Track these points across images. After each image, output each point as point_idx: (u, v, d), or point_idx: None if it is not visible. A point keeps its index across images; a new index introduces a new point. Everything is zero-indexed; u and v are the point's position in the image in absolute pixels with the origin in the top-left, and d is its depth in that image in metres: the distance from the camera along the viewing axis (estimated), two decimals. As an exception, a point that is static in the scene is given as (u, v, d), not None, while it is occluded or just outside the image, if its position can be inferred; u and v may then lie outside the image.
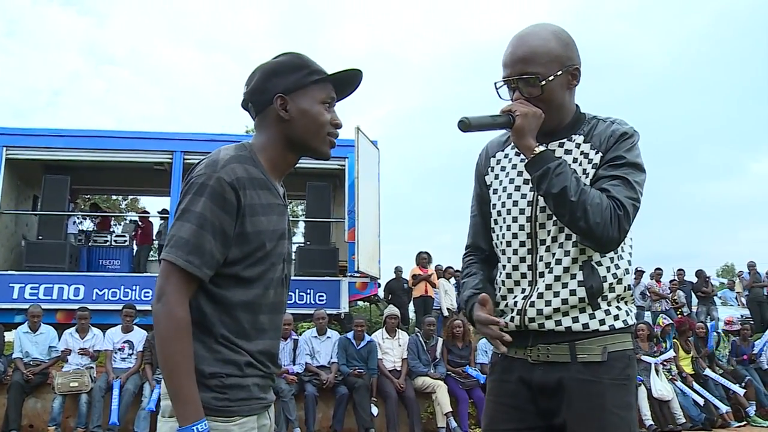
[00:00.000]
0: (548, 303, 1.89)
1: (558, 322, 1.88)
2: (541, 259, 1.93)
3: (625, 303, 1.95)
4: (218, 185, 1.64)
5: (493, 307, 1.97)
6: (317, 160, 1.89)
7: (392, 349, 8.78)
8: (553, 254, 1.91)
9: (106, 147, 11.17)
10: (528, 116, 1.86)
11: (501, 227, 2.03)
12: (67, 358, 8.07)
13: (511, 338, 1.91)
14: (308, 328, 9.63)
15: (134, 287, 10.49)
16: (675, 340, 10.07)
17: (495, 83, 1.97)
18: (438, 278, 12.70)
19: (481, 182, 2.16)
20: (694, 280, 15.18)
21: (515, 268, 1.98)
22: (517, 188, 2.00)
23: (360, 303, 14.11)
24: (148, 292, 10.40)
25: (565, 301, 1.87)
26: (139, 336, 8.40)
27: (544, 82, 1.88)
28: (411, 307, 13.16)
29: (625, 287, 1.93)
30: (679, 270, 15.55)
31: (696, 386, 9.52)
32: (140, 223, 13.75)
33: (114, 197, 22.26)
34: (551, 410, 1.90)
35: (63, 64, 58.44)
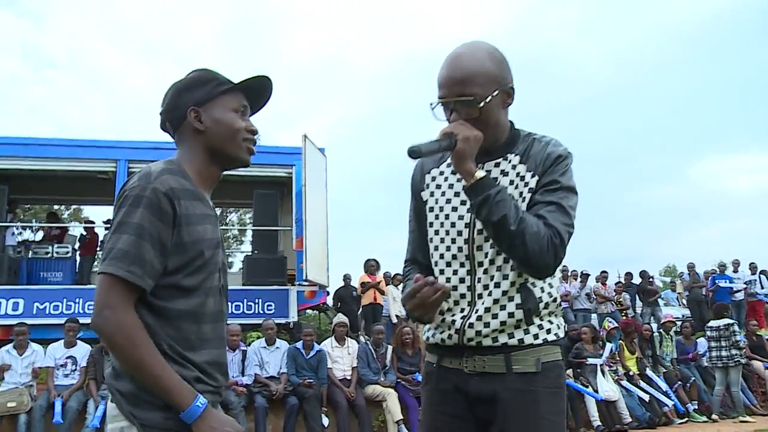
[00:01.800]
0: (486, 325, 1.92)
1: (495, 339, 1.92)
2: (479, 281, 1.95)
3: (556, 317, 2.01)
4: (154, 196, 1.65)
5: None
6: (238, 167, 1.93)
7: (342, 358, 8.73)
8: (492, 277, 1.93)
9: (48, 155, 10.85)
10: (470, 140, 1.84)
11: (438, 247, 2.04)
12: (4, 376, 7.74)
13: (448, 350, 2.00)
14: (257, 338, 9.59)
15: (77, 300, 10.17)
16: (621, 341, 10.28)
17: (430, 104, 1.95)
18: (386, 285, 12.71)
19: (417, 198, 2.15)
20: (639, 281, 15.46)
21: (454, 288, 1.99)
22: (454, 209, 2.01)
23: (309, 312, 14.15)
24: (92, 305, 9.97)
25: (503, 323, 1.91)
26: (82, 351, 8.12)
27: (482, 104, 1.87)
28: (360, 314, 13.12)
29: (557, 303, 2.01)
30: (627, 273, 15.84)
31: (642, 384, 9.74)
32: (85, 234, 13.38)
33: (56, 207, 21.66)
34: (488, 419, 1.94)
35: (-1, 67, 56.54)
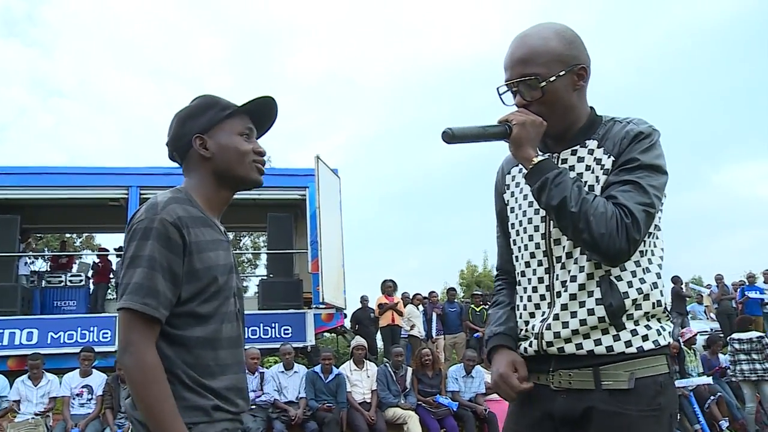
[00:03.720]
0: (565, 325, 1.78)
1: (579, 345, 1.77)
2: (557, 278, 1.83)
3: (658, 321, 1.80)
4: (162, 227, 1.69)
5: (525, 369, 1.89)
6: (251, 188, 1.95)
7: (361, 381, 8.74)
8: (569, 271, 1.80)
9: (58, 184, 11.05)
10: (526, 125, 1.78)
11: (519, 247, 1.96)
12: (20, 407, 7.81)
13: (530, 368, 1.89)
14: (274, 363, 9.71)
15: (92, 329, 10.29)
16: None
17: (497, 89, 1.89)
18: (404, 306, 12.70)
19: (500, 201, 2.10)
20: (669, 288, 15.27)
21: (534, 290, 1.90)
22: (531, 203, 1.92)
23: (326, 335, 14.29)
24: (107, 333, 10.25)
25: (583, 322, 1.76)
26: (98, 380, 8.19)
27: (544, 83, 1.79)
28: (379, 336, 13.13)
29: (653, 303, 1.78)
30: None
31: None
32: (98, 262, 13.54)
33: (68, 235, 21.89)
34: None
35: (7, 97, 57.19)
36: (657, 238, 1.85)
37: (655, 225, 1.82)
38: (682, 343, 11.03)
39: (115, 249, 13.95)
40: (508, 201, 2.04)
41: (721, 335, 12.68)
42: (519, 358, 1.90)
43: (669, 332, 1.82)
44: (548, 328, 1.81)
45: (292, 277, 11.56)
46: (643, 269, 1.79)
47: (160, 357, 1.65)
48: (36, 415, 7.74)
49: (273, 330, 10.60)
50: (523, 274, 1.94)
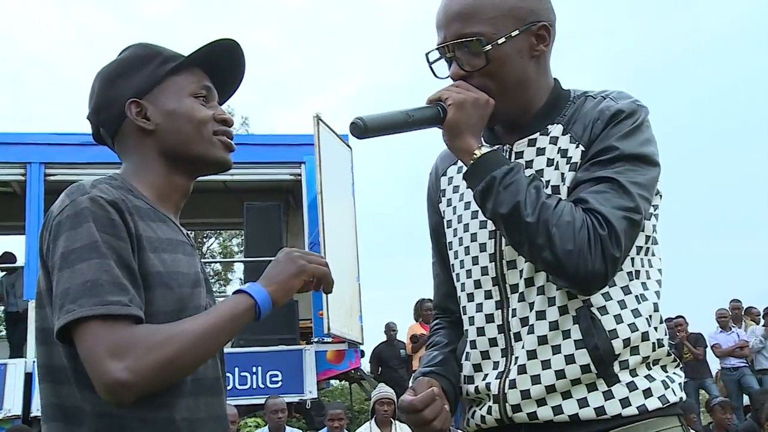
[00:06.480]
0: (536, 379, 1.52)
1: (557, 409, 1.49)
2: (514, 314, 1.57)
3: (663, 369, 1.56)
4: (96, 206, 1.39)
5: (439, 391, 1.60)
6: (215, 172, 1.68)
7: (390, 455, 7.87)
8: (531, 304, 1.55)
9: None
10: (465, 106, 1.51)
11: (460, 274, 1.71)
12: None
13: None
14: (256, 427, 9.21)
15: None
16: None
17: (427, 55, 1.67)
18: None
19: (434, 214, 1.84)
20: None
21: (481, 331, 1.64)
22: (475, 214, 1.66)
23: (334, 382, 13.16)
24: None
25: (560, 374, 1.49)
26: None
27: (489, 47, 1.53)
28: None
29: (654, 343, 1.52)
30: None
31: None
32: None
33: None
34: None
35: None
36: (653, 254, 1.64)
37: (648, 236, 1.60)
38: None
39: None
40: (444, 213, 1.82)
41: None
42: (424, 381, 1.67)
43: (679, 384, 1.61)
44: (512, 386, 1.57)
45: (282, 297, 9.71)
46: (636, 297, 1.56)
47: (100, 413, 1.39)
48: None
49: (255, 377, 9.04)
50: (465, 311, 1.71)
